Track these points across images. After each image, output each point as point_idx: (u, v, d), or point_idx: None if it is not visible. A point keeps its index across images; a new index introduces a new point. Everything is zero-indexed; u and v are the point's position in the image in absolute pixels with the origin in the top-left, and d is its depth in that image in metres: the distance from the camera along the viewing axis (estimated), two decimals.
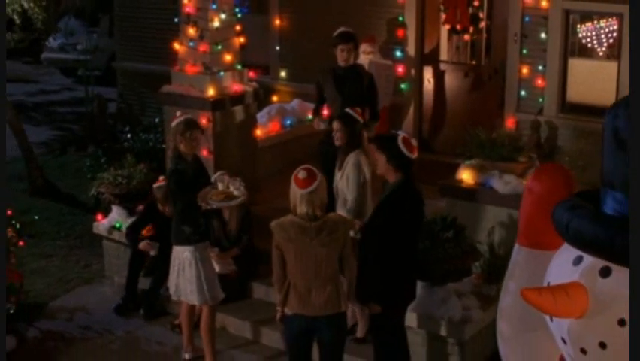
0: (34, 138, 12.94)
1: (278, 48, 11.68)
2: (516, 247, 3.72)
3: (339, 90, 8.11)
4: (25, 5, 10.51)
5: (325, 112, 8.43)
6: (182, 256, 6.86)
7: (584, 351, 3.06)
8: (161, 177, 7.94)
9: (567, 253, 3.15)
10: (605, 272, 2.98)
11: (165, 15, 12.92)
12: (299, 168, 5.81)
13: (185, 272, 6.85)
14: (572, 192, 3.42)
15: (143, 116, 13.46)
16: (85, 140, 13.77)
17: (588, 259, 3.03)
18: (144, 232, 8.04)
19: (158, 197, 7.86)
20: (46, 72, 21.07)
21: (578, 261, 3.08)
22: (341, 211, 6.75)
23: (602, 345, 2.99)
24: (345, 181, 6.92)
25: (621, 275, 2.94)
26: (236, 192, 7.19)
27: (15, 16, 10.62)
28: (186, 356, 7.26)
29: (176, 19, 12.66)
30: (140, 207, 8.42)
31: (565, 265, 3.13)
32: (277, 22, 11.62)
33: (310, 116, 10.17)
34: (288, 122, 10.09)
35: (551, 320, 3.15)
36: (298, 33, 11.39)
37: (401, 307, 6.19)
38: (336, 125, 7.09)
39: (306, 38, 11.16)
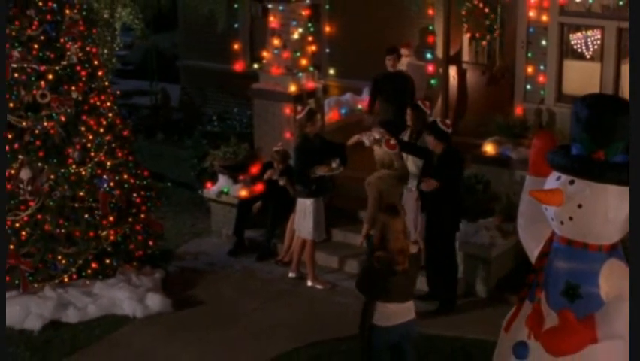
0: None
1: (327, 50, 15.71)
2: (527, 176, 7.69)
3: (391, 88, 12.54)
4: (125, 18, 14.34)
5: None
6: (304, 205, 11.02)
7: (562, 223, 7.07)
8: (280, 144, 12.04)
9: (553, 175, 7.20)
10: (571, 182, 6.99)
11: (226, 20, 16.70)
12: (385, 138, 9.81)
13: (306, 216, 11.01)
14: (556, 145, 7.37)
15: (204, 107, 17.29)
16: (153, 128, 17.59)
17: (563, 177, 7.06)
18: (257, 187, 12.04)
19: (276, 158, 11.82)
20: None
21: (558, 178, 7.15)
22: None
23: (570, 218, 7.01)
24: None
25: (580, 183, 6.93)
26: (334, 165, 11.06)
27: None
28: (291, 274, 11.48)
29: (236, 25, 16.61)
30: (242, 177, 12.39)
31: (552, 181, 7.21)
32: (327, 28, 15.73)
33: (360, 106, 14.21)
34: (343, 111, 14.17)
35: (546, 209, 7.15)
36: (344, 38, 15.56)
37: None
38: (409, 112, 11.03)
39: (351, 42, 15.35)
